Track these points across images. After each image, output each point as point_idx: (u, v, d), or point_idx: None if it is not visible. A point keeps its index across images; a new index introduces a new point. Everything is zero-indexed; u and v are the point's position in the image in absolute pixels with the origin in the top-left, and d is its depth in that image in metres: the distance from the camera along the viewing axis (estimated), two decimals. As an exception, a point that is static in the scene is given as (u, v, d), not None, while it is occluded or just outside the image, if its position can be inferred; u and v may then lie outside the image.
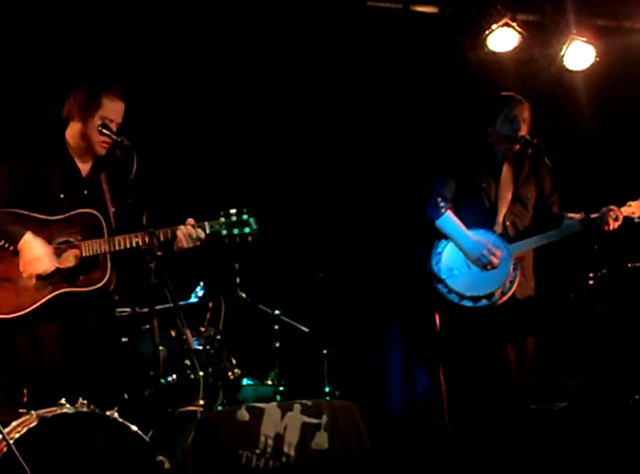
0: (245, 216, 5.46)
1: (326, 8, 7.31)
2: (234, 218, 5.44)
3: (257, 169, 7.67)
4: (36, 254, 5.09)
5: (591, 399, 6.51)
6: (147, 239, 5.06)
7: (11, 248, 5.09)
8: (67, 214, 5.24)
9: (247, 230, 5.46)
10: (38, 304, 5.11)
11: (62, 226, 5.22)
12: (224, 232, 5.43)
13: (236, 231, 5.44)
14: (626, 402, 6.07)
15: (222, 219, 5.44)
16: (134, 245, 5.19)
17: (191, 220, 5.38)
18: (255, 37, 7.30)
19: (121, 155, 5.14)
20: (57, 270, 5.14)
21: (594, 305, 5.69)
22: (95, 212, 5.27)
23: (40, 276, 5.11)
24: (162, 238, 5.25)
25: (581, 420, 6.27)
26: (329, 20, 7.37)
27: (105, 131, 5.26)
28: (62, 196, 5.28)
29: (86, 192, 5.39)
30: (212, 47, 7.32)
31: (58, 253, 5.18)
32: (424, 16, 7.53)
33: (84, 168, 5.44)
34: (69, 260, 5.21)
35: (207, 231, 5.41)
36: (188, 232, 5.32)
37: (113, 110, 5.36)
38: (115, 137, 5.21)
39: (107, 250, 5.19)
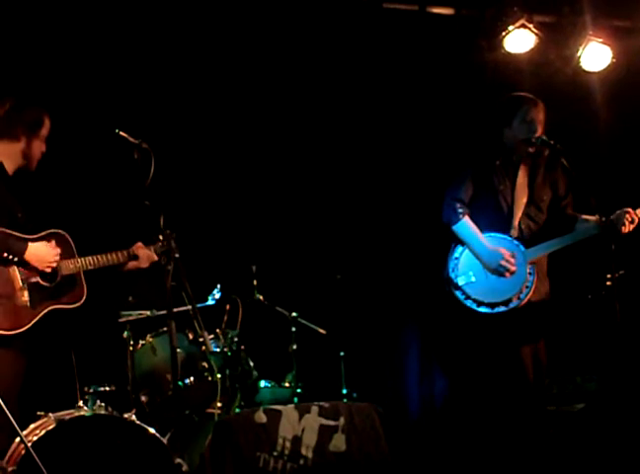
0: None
1: (342, 10, 7.32)
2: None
3: (274, 170, 7.69)
4: (44, 250, 5.09)
5: (608, 400, 6.49)
6: (164, 241, 5.13)
7: (15, 259, 5.02)
8: (40, 234, 5.18)
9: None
10: (35, 320, 5.05)
11: None
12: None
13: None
14: (644, 403, 6.06)
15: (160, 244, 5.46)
16: (105, 264, 5.27)
17: (140, 244, 5.45)
18: (268, 41, 7.32)
19: (139, 157, 5.17)
20: (45, 287, 5.14)
21: (611, 306, 5.67)
22: (65, 233, 5.28)
23: (32, 292, 5.09)
24: (121, 259, 5.37)
25: (599, 421, 6.26)
26: (346, 22, 7.37)
27: (122, 134, 5.25)
28: (20, 215, 5.21)
29: (20, 214, 5.27)
30: (217, 64, 7.38)
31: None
32: (440, 17, 7.52)
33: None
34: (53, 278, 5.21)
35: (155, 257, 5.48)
36: (147, 253, 5.42)
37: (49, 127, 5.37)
38: (132, 140, 5.22)
39: (82, 269, 5.23)
